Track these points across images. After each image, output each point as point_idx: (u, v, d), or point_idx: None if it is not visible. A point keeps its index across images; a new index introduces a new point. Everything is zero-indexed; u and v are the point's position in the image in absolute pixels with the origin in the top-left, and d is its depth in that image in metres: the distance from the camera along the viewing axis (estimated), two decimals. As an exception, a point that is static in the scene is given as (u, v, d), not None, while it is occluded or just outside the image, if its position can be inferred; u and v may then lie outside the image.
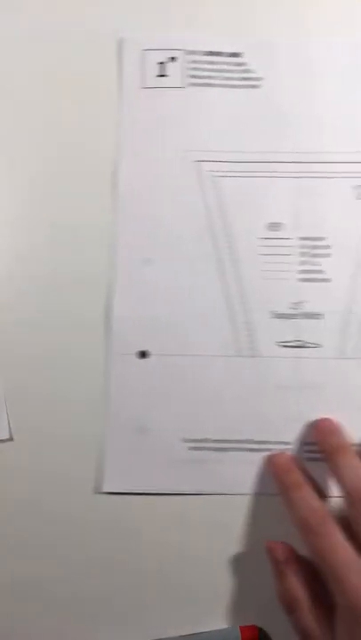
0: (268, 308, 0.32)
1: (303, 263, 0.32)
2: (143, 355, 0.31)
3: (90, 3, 0.35)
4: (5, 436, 0.31)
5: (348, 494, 0.27)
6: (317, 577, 0.26)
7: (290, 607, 0.27)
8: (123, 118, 0.33)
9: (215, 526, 0.30)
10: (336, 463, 0.28)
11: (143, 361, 0.31)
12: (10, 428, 0.31)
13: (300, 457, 0.30)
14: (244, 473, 0.30)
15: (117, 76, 0.34)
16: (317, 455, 0.30)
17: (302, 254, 0.32)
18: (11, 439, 0.31)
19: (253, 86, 0.34)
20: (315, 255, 0.32)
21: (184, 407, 0.31)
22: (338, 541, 0.25)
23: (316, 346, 0.31)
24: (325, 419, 0.30)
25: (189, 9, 0.35)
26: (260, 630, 0.29)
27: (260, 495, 0.30)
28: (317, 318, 0.31)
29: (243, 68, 0.34)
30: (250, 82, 0.34)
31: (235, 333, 0.31)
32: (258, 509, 0.30)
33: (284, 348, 0.31)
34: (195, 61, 0.34)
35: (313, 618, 0.26)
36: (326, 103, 0.33)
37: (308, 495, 0.28)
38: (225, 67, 0.34)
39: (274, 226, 0.32)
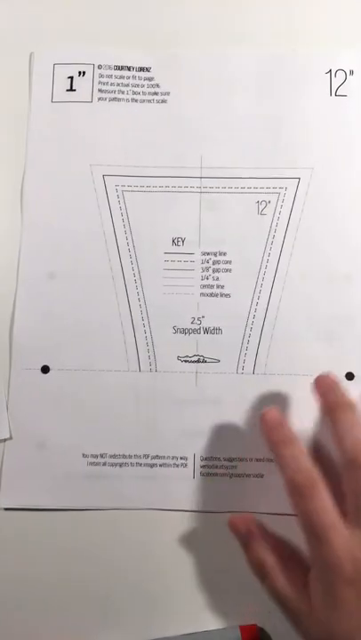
0: (170, 323, 0.32)
1: (205, 278, 0.32)
2: (45, 370, 0.31)
3: (1, 17, 0.35)
4: (6, 435, 0.31)
5: (344, 453, 0.26)
6: (281, 543, 0.27)
7: (261, 574, 0.27)
8: (32, 132, 0.34)
9: (125, 541, 0.30)
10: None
11: (44, 376, 0.31)
12: (10, 428, 0.31)
13: (197, 472, 0.30)
14: (140, 488, 0.30)
15: (28, 90, 0.34)
16: (215, 470, 0.30)
17: (204, 269, 0.32)
18: (11, 438, 0.31)
19: (161, 101, 0.34)
20: (216, 270, 0.32)
21: (84, 422, 0.31)
22: (325, 505, 0.25)
23: (215, 360, 0.31)
24: (325, 375, 0.28)
25: (100, 24, 0.35)
26: (261, 630, 0.29)
27: (159, 511, 0.30)
28: (216, 333, 0.31)
29: (151, 82, 0.34)
30: (158, 96, 0.34)
31: (136, 348, 0.31)
32: (163, 524, 0.30)
33: (184, 363, 0.31)
34: (104, 75, 0.34)
35: (284, 580, 0.26)
36: (231, 119, 0.33)
37: (297, 453, 0.26)
38: (134, 81, 0.34)
39: (178, 241, 0.32)
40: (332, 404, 0.27)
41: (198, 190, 0.33)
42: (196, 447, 0.31)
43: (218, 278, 0.32)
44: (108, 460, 0.31)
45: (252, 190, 0.32)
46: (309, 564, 0.26)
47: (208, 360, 0.31)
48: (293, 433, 0.27)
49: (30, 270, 0.32)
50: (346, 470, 0.26)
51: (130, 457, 0.31)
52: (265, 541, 0.27)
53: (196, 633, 0.29)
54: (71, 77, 0.34)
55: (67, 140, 0.33)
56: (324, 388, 0.28)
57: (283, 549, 0.27)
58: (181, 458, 0.31)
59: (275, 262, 0.32)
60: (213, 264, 0.32)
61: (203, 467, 0.30)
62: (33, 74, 0.34)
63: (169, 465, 0.30)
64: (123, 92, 0.34)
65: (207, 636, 0.29)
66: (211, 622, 0.29)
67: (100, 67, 0.34)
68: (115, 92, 0.34)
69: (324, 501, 0.25)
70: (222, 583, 0.30)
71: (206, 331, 0.32)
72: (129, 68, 0.34)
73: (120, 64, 0.34)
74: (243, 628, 0.29)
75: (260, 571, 0.27)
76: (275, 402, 0.31)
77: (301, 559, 0.27)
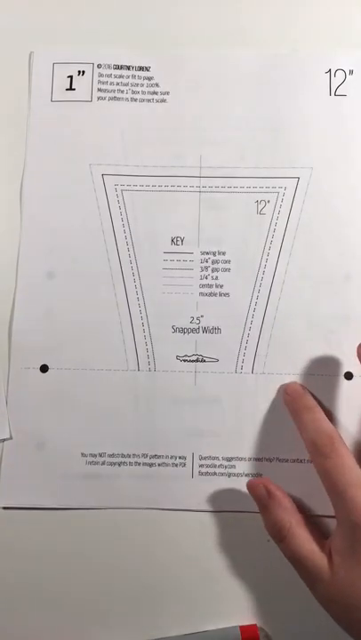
0: (169, 322, 0.32)
1: (204, 277, 0.32)
2: (44, 369, 0.31)
3: (1, 16, 0.35)
4: (6, 435, 0.31)
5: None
6: (298, 507, 0.28)
7: (278, 536, 0.27)
8: (31, 131, 0.34)
9: (119, 540, 0.30)
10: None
11: (43, 375, 0.31)
12: (10, 428, 0.31)
13: (196, 472, 0.30)
14: (139, 487, 0.30)
15: (27, 89, 0.34)
16: (213, 470, 0.30)
17: (203, 268, 0.32)
18: (10, 438, 0.31)
19: (161, 100, 0.34)
20: (215, 269, 0.32)
21: (82, 422, 0.31)
22: (346, 462, 0.26)
23: (214, 360, 0.31)
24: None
25: (99, 23, 0.35)
26: (261, 630, 0.29)
27: (158, 510, 0.30)
28: (215, 332, 0.31)
29: (151, 82, 0.34)
30: (157, 96, 0.34)
31: (135, 348, 0.31)
32: (161, 524, 0.30)
33: (183, 363, 0.31)
34: (103, 75, 0.34)
35: (303, 539, 0.26)
36: (230, 118, 0.33)
37: (318, 417, 0.28)
38: (133, 80, 0.34)
39: (177, 240, 0.32)
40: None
41: (198, 190, 0.33)
42: (194, 446, 0.31)
43: (217, 278, 0.32)
44: (106, 459, 0.31)
45: (251, 190, 0.32)
46: (333, 526, 0.26)
47: (207, 359, 0.31)
48: (314, 401, 0.29)
49: (29, 270, 0.32)
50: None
51: (128, 456, 0.31)
52: (286, 502, 0.28)
53: (196, 633, 0.29)
54: (71, 77, 0.34)
55: (66, 139, 0.33)
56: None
57: (300, 512, 0.28)
58: (180, 457, 0.30)
59: (274, 262, 0.32)
60: (212, 263, 0.32)
61: (201, 466, 0.30)
62: (32, 73, 0.34)
63: (167, 464, 0.30)
64: (122, 92, 0.34)
65: (207, 635, 0.29)
66: (211, 622, 0.29)
67: (99, 66, 0.34)
68: (114, 91, 0.34)
69: (344, 459, 0.26)
70: (222, 583, 0.30)
71: (205, 330, 0.32)
72: (128, 68, 0.34)
73: (119, 63, 0.34)
74: (243, 628, 0.29)
75: (280, 531, 0.27)
76: (273, 401, 0.31)
77: (318, 523, 0.28)
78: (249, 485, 0.29)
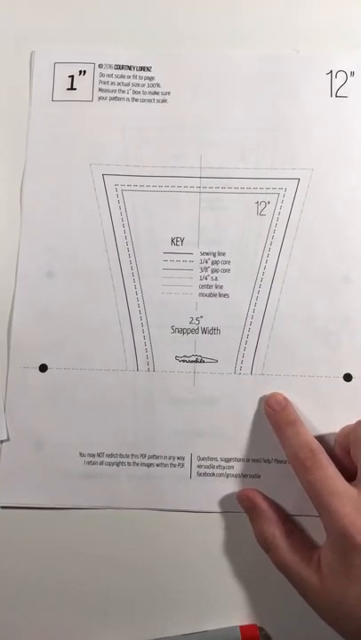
0: (169, 322, 0.32)
1: (203, 278, 0.32)
2: (43, 368, 0.31)
3: (2, 15, 0.35)
4: (4, 437, 0.31)
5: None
6: (288, 517, 0.29)
7: (264, 547, 0.28)
8: (32, 131, 0.34)
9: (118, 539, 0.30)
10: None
11: (43, 375, 0.31)
12: (7, 429, 0.31)
13: (194, 472, 0.30)
14: (137, 488, 0.30)
15: (28, 89, 0.34)
16: (211, 470, 0.30)
17: (203, 269, 0.32)
18: (7, 440, 0.31)
19: (162, 101, 0.34)
20: (215, 270, 0.32)
21: (81, 421, 0.31)
22: (328, 473, 0.26)
23: (213, 361, 0.31)
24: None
25: (101, 23, 0.35)
26: (261, 630, 0.29)
27: (156, 511, 0.30)
28: (215, 333, 0.31)
29: (152, 82, 0.34)
30: (158, 96, 0.34)
31: (134, 348, 0.31)
32: (160, 524, 0.30)
33: (182, 363, 0.31)
34: (104, 75, 0.34)
35: (289, 551, 0.27)
36: (231, 119, 0.33)
37: (299, 430, 0.28)
38: (134, 80, 0.34)
39: (177, 240, 0.32)
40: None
41: (198, 190, 0.33)
42: (193, 447, 0.31)
43: (217, 278, 0.32)
44: (105, 459, 0.31)
45: (251, 191, 0.32)
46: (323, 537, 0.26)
47: (206, 360, 0.31)
48: (296, 414, 0.29)
49: (29, 269, 0.32)
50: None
51: (127, 456, 0.31)
52: (269, 514, 0.28)
53: (196, 633, 0.29)
54: (72, 76, 0.34)
55: (67, 139, 0.33)
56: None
57: (288, 522, 0.28)
58: (178, 458, 0.31)
59: (274, 263, 0.32)
60: (212, 264, 0.32)
61: (199, 467, 0.30)
62: (33, 73, 0.34)
63: (166, 465, 0.30)
64: (123, 92, 0.34)
65: (207, 635, 0.29)
66: (211, 622, 0.29)
67: (100, 66, 0.34)
68: (115, 91, 0.34)
69: (326, 470, 0.26)
70: (222, 583, 0.30)
71: (205, 331, 0.32)
72: (129, 68, 0.34)
73: (121, 63, 0.34)
74: (243, 628, 0.29)
75: (264, 543, 0.28)
76: (272, 402, 0.31)
77: (306, 534, 0.28)
78: (237, 498, 0.29)
